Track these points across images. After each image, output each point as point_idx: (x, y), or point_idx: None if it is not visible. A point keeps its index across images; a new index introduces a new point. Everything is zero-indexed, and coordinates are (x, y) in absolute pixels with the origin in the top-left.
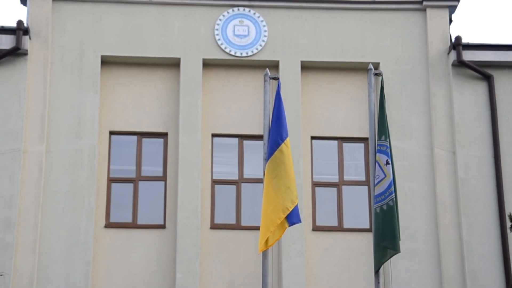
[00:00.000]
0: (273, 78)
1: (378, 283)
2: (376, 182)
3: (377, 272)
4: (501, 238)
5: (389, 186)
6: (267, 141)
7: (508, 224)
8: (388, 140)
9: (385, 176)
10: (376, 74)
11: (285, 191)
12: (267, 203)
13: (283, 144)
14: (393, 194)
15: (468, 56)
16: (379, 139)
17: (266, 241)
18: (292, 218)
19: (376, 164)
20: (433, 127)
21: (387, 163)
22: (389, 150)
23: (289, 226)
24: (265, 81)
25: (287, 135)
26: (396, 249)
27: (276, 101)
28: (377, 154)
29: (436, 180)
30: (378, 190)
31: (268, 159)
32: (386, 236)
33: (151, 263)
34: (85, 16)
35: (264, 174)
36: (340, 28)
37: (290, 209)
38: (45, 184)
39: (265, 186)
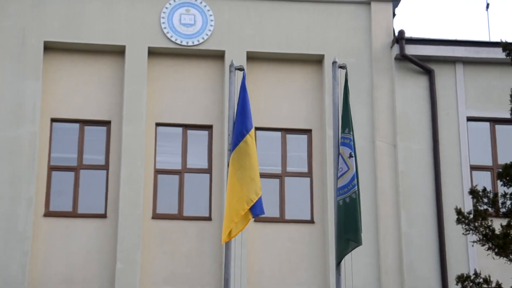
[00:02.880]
0: (239, 69)
1: (339, 275)
2: (339, 174)
3: (338, 264)
4: (438, 231)
5: (352, 178)
6: (232, 132)
7: (454, 217)
8: (351, 133)
9: (348, 168)
10: (340, 67)
11: (250, 182)
12: (232, 194)
13: (248, 135)
14: (356, 187)
15: (411, 50)
16: (343, 132)
17: (229, 232)
18: (256, 209)
19: (340, 156)
20: (375, 120)
21: (350, 156)
22: (352, 143)
23: (253, 217)
24: (230, 71)
25: (252, 126)
26: (358, 242)
27: (241, 92)
28: (340, 147)
29: (377, 172)
30: (341, 182)
31: (233, 150)
32: (348, 229)
33: (91, 253)
34: (27, 0)
35: (228, 165)
36: (286, 20)
37: (254, 201)
38: None
39: (229, 177)
